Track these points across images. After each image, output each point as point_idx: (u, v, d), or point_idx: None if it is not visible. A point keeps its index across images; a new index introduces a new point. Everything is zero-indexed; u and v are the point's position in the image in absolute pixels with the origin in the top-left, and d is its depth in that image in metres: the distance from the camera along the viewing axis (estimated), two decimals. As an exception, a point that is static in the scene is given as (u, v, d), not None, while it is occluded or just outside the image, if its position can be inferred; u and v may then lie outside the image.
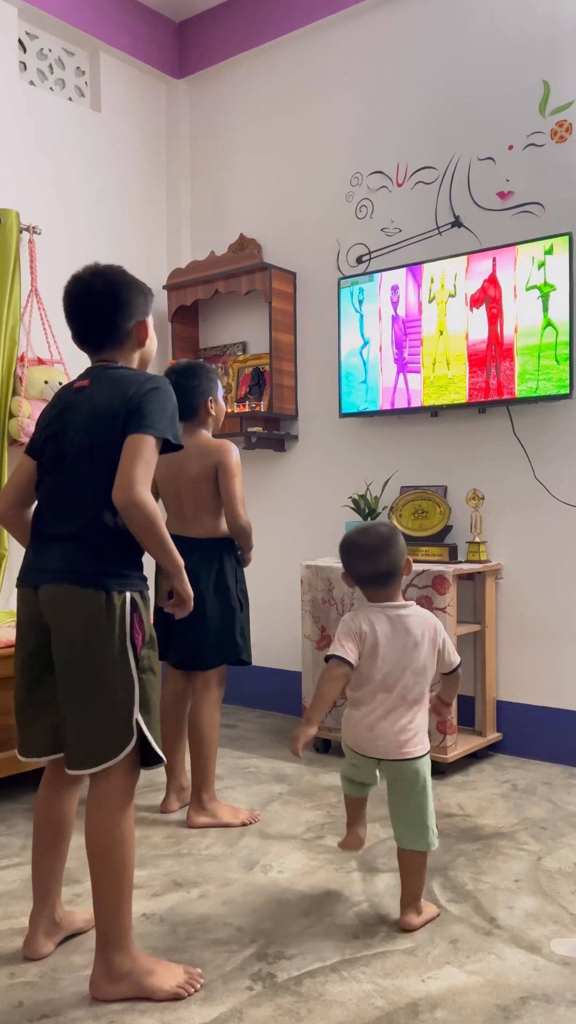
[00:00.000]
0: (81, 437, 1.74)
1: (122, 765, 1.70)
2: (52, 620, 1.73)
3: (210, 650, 2.66)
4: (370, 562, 2.01)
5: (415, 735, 1.99)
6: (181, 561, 1.76)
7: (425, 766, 2.00)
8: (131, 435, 1.66)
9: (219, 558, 2.67)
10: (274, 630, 3.96)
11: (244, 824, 2.65)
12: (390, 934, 1.96)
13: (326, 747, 3.38)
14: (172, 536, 1.75)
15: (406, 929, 1.98)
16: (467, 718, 3.36)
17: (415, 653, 1.99)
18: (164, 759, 1.76)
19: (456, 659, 2.08)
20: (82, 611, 1.68)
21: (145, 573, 1.79)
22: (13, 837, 2.56)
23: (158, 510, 1.67)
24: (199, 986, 1.74)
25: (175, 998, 1.70)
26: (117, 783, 1.71)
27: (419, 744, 1.99)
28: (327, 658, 1.98)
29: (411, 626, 2.00)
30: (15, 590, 3.63)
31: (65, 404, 1.81)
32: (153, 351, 1.93)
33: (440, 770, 3.05)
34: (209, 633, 2.65)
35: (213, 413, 2.74)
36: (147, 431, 1.67)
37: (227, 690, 3.41)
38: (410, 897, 2.01)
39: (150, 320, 1.89)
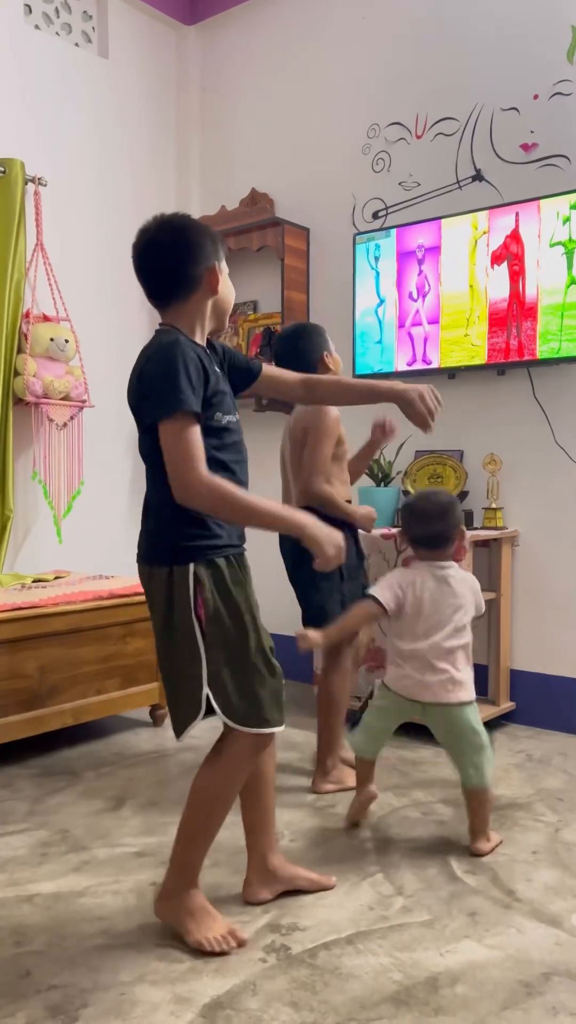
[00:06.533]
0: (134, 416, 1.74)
1: (237, 733, 1.71)
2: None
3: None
4: (425, 526, 2.20)
5: (462, 683, 2.14)
6: (291, 517, 1.63)
7: (472, 712, 2.14)
8: (159, 431, 1.62)
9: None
10: (283, 595, 3.88)
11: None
12: (406, 906, 1.91)
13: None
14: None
15: (477, 854, 2.13)
16: (481, 687, 3.26)
17: (456, 611, 2.16)
18: (272, 730, 1.72)
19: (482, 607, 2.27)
20: (155, 588, 1.72)
21: (222, 536, 1.70)
22: (18, 802, 2.51)
23: (221, 485, 1.59)
24: (221, 950, 1.72)
25: (197, 947, 1.72)
26: (232, 747, 1.73)
27: (464, 692, 2.14)
28: (366, 595, 2.21)
29: (455, 585, 2.18)
30: (18, 555, 3.58)
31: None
32: (230, 299, 1.81)
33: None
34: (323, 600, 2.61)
35: (332, 368, 2.64)
36: (162, 420, 1.60)
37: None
38: (477, 827, 2.18)
39: (223, 266, 1.77)
